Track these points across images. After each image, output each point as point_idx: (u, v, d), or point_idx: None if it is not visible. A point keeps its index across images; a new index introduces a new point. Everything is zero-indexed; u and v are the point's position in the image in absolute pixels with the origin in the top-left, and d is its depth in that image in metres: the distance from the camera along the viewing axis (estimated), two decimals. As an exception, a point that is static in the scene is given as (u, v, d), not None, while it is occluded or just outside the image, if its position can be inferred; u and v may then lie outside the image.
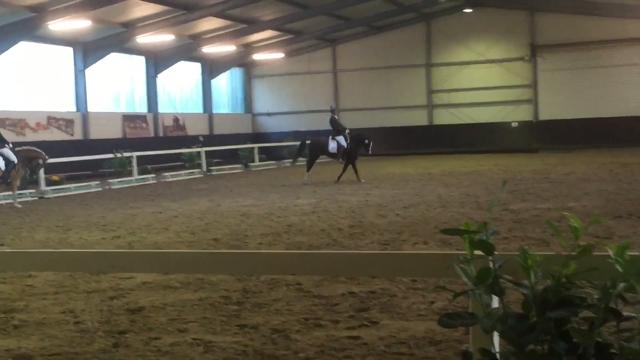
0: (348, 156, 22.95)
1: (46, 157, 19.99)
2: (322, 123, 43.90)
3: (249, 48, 41.39)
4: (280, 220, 13.84)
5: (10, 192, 18.94)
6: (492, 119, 41.18)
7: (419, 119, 42.95)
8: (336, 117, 24.54)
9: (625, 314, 2.53)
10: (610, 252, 2.60)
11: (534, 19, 40.42)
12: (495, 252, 2.72)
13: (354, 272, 5.39)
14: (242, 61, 43.15)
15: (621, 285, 2.52)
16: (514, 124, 41.11)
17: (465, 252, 2.76)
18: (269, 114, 45.88)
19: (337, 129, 23.64)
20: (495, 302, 2.76)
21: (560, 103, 39.58)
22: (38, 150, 20.07)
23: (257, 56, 42.39)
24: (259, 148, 36.38)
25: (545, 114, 40.40)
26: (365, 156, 24.75)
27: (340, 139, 23.21)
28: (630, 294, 2.53)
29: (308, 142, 24.08)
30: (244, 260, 3.87)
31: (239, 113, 45.79)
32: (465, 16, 41.17)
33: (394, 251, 9.26)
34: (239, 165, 33.02)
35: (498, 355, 2.65)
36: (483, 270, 2.68)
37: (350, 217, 13.91)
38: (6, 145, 18.71)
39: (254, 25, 36.78)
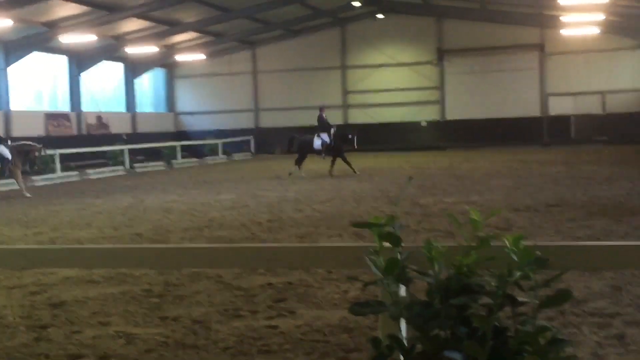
0: (333, 152, 23.00)
1: (40, 147, 20.25)
2: (242, 122, 44.00)
3: (171, 49, 40.76)
4: (202, 216, 13.70)
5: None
6: (403, 119, 41.80)
7: (335, 118, 43.15)
8: (324, 115, 24.17)
9: (520, 299, 2.60)
10: (507, 243, 2.66)
11: (441, 25, 41.23)
12: (403, 244, 2.76)
13: (272, 265, 5.37)
14: (164, 61, 42.45)
15: (517, 273, 2.59)
16: (423, 124, 41.86)
17: (375, 244, 2.79)
18: (191, 113, 45.34)
19: (322, 126, 23.57)
20: (402, 291, 2.79)
21: (465, 104, 40.53)
22: (31, 143, 20.31)
23: (180, 57, 41.78)
24: (182, 146, 35.88)
25: (451, 114, 41.29)
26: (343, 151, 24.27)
27: (324, 136, 23.31)
28: (524, 281, 2.60)
29: (295, 138, 23.99)
30: (165, 255, 3.80)
31: (162, 112, 45.04)
32: (377, 21, 41.66)
33: (310, 244, 9.29)
34: (162, 163, 32.48)
35: (405, 341, 2.69)
36: (391, 261, 2.71)
37: (269, 212, 13.89)
38: (2, 142, 19.01)
39: (176, 27, 36.25)
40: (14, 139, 30.80)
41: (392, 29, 41.55)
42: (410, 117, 41.81)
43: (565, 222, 10.97)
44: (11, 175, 19.16)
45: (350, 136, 23.23)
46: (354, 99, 43.09)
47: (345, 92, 43.17)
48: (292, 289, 7.27)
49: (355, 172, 22.32)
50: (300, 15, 39.25)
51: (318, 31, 42.71)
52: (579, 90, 39.46)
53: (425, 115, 41.86)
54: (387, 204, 14.44)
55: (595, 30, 36.14)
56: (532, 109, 39.89)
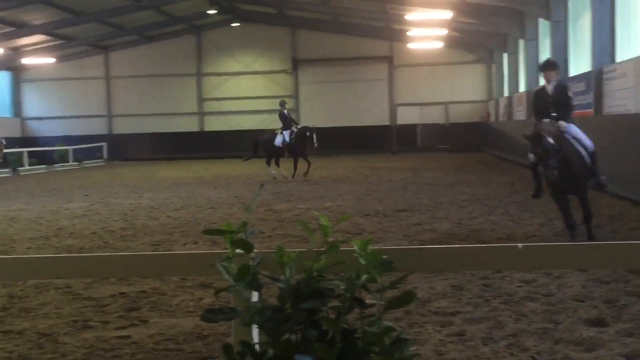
0: (293, 151, 21.94)
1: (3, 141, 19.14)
2: (95, 128, 42.46)
3: (17, 52, 38.66)
4: (50, 224, 13.06)
5: None
6: (258, 126, 41.85)
7: (190, 125, 42.68)
8: (285, 112, 22.92)
9: (367, 302, 2.66)
10: (355, 247, 2.73)
11: (296, 35, 41.79)
12: (255, 250, 2.76)
13: (125, 273, 5.19)
14: (10, 65, 40.18)
15: (364, 276, 2.65)
16: (278, 131, 42.12)
17: (228, 251, 2.77)
18: (39, 119, 43.20)
19: (284, 123, 22.50)
20: (254, 297, 2.79)
21: (318, 112, 41.21)
22: None
23: (27, 60, 39.70)
24: (29, 152, 34.08)
25: (305, 122, 41.37)
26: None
27: (286, 133, 22.20)
28: (372, 283, 2.67)
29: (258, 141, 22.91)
30: (9, 266, 3.58)
31: (6, 117, 42.59)
32: (233, 30, 41.60)
33: (164, 252, 9.10)
34: (7, 170, 30.68)
35: (257, 346, 2.69)
36: (242, 267, 2.70)
37: (123, 219, 13.47)
38: None
39: (23, 28, 34.42)
40: None
41: (247, 38, 41.64)
42: (265, 125, 41.93)
43: (412, 226, 11.39)
44: None
45: (308, 133, 21.94)
46: (209, 106, 42.74)
47: (201, 100, 42.74)
48: (145, 297, 7.07)
49: (305, 174, 21.41)
50: (155, 21, 38.47)
51: (173, 38, 42.05)
52: (425, 100, 41.26)
53: (280, 123, 42.10)
54: (242, 210, 14.37)
55: (439, 45, 37.92)
56: (381, 118, 41.29)
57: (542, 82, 10.43)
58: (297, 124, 22.96)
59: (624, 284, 6.96)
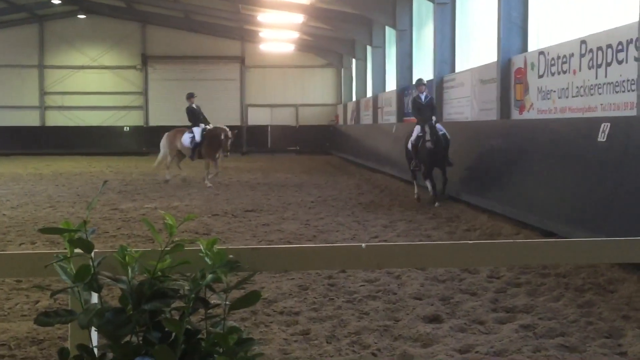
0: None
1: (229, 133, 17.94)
2: None
3: None
4: None
5: None
6: (105, 123, 40.57)
7: (30, 119, 40.43)
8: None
9: (212, 302, 2.64)
10: (202, 246, 2.69)
11: (146, 31, 40.73)
12: (96, 250, 2.65)
13: (-50, 275, 4.84)
14: None
15: (209, 276, 2.62)
16: (126, 129, 40.97)
17: (66, 250, 2.65)
18: None
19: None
20: (94, 298, 2.68)
21: (168, 110, 40.30)
22: None
23: None
24: None
25: (154, 120, 40.87)
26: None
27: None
28: (217, 283, 2.64)
29: None
30: None
31: None
32: (79, 22, 39.90)
33: (-1, 252, 8.56)
34: None
35: (95, 350, 2.58)
36: (82, 267, 2.59)
37: (-48, 217, 12.53)
38: None
39: None
40: None
41: (95, 31, 40.07)
42: (113, 122, 40.72)
43: (261, 226, 11.43)
44: None
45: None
46: (52, 100, 40.70)
47: (43, 93, 40.62)
48: (-25, 301, 6.62)
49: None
50: (-7, 7, 36.18)
51: (13, 26, 39.63)
52: (276, 102, 41.55)
53: (128, 120, 41.01)
54: (85, 209, 13.82)
55: (290, 47, 38.35)
56: (232, 118, 41.05)
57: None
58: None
59: (458, 282, 7.35)
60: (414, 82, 15.49)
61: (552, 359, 4.98)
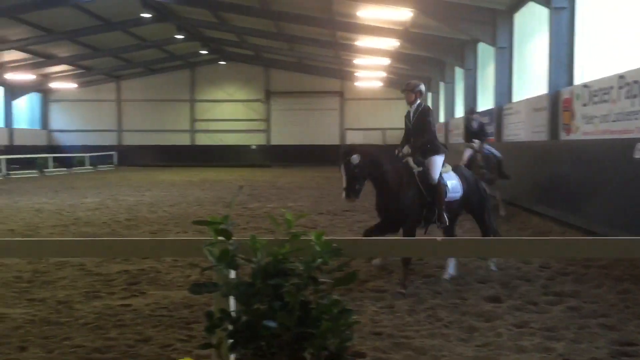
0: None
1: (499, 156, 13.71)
2: (107, 139, 41.66)
3: (46, 78, 37.70)
4: (69, 215, 12.74)
5: None
6: (238, 142, 41.74)
7: (183, 140, 42.18)
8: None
9: (320, 280, 2.67)
10: (312, 237, 2.73)
11: (269, 72, 41.66)
12: (233, 238, 2.73)
13: (128, 254, 5.12)
14: (40, 87, 39.13)
15: (318, 260, 2.65)
16: (253, 147, 42.01)
17: (212, 238, 2.74)
18: (62, 131, 42.20)
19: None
20: (232, 274, 2.76)
21: (285, 133, 41.18)
22: None
23: (54, 84, 38.72)
24: (53, 157, 33.21)
25: (275, 140, 41.76)
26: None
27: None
28: (324, 266, 2.67)
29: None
30: (34, 247, 3.48)
31: (37, 129, 41.47)
32: (220, 66, 41.31)
33: (160, 238, 8.95)
34: (35, 171, 29.85)
35: (233, 313, 2.66)
36: (223, 251, 2.68)
37: (128, 212, 13.21)
38: None
39: (52, 59, 33.60)
40: None
41: (231, 73, 41.41)
42: (244, 141, 41.88)
43: (356, 222, 11.42)
44: None
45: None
46: (200, 125, 42.31)
47: (193, 120, 42.26)
48: (144, 274, 6.95)
49: None
50: (158, 57, 37.95)
51: (172, 71, 41.51)
52: (367, 126, 41.50)
53: (255, 140, 42.07)
54: (224, 207, 14.26)
55: (379, 84, 38.22)
56: (333, 139, 41.38)
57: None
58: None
59: (515, 270, 7.09)
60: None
61: (594, 335, 4.73)
